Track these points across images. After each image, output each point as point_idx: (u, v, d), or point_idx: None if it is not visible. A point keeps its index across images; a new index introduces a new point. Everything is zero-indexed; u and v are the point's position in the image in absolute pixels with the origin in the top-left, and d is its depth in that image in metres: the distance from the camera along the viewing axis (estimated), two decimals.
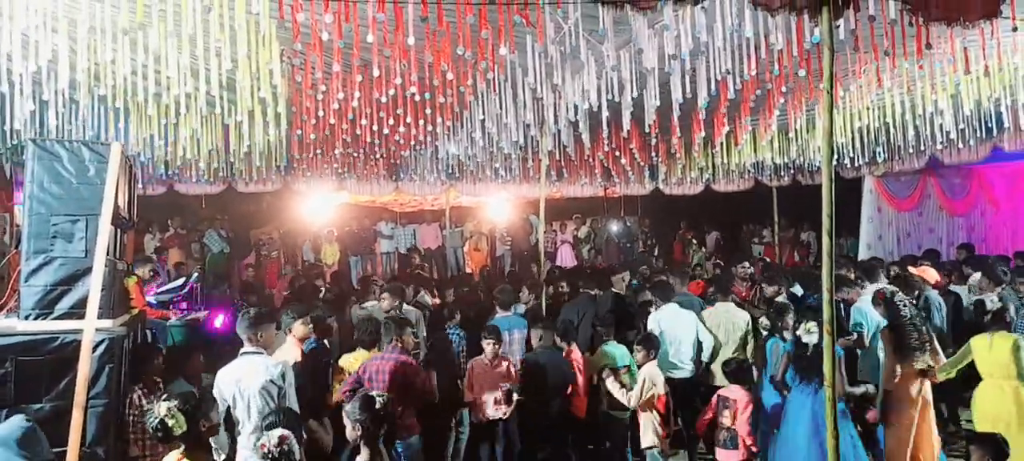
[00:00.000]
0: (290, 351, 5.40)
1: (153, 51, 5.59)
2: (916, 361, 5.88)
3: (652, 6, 4.29)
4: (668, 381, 6.39)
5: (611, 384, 6.18)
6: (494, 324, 6.54)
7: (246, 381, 4.47)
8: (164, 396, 3.58)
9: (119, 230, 5.37)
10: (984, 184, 14.76)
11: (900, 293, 6.41)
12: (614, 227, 17.96)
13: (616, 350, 6.51)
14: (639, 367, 6.25)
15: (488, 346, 6.23)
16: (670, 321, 6.91)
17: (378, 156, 11.84)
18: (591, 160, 12.66)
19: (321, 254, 15.27)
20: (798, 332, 5.79)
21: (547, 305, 8.66)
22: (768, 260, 13.39)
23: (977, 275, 8.45)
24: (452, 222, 16.58)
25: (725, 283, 7.45)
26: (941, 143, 9.67)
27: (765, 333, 6.76)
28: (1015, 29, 5.16)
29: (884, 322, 6.27)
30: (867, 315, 6.64)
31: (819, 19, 4.25)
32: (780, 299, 7.23)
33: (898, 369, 5.91)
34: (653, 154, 12.31)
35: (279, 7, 4.88)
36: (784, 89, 7.68)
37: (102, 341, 4.49)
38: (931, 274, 8.18)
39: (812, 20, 4.37)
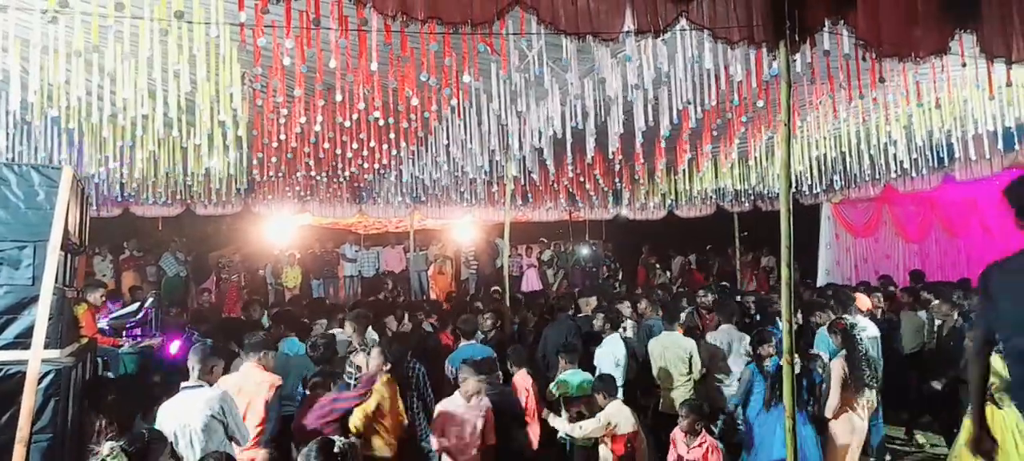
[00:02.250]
0: (264, 378, 5.17)
1: (109, 72, 5.46)
2: (862, 395, 5.90)
3: (614, 37, 4.32)
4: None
5: (553, 420, 6.00)
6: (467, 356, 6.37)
7: (187, 417, 4.31)
8: (111, 436, 3.43)
9: (69, 255, 5.20)
10: (938, 212, 15.19)
11: (859, 324, 6.48)
12: (584, 251, 18.03)
13: (574, 378, 6.47)
14: (601, 408, 6.06)
15: (471, 382, 5.58)
16: (617, 351, 7.11)
17: (341, 179, 11.74)
18: (556, 185, 12.73)
19: (282, 277, 15.03)
20: (768, 359, 5.93)
21: (517, 331, 8.66)
22: (726, 285, 13.49)
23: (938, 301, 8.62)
24: (416, 245, 16.48)
25: (673, 311, 7.51)
26: (895, 172, 9.92)
27: (747, 359, 6.78)
28: (964, 65, 5.32)
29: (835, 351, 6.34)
30: (828, 342, 6.76)
31: (777, 52, 4.35)
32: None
33: (837, 404, 5.90)
34: (617, 180, 12.43)
35: (239, 31, 4.81)
36: (744, 119, 7.83)
37: (48, 372, 4.32)
38: (863, 301, 8.31)
39: (770, 53, 4.47)
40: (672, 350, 6.91)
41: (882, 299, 9.22)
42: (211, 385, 4.61)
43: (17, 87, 5.34)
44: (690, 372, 6.83)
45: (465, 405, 5.56)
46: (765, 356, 6.09)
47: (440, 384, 6.67)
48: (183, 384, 4.58)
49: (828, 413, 5.83)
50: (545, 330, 7.99)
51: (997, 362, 5.77)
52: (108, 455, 3.20)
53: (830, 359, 6.27)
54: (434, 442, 5.58)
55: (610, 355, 7.11)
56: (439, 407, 5.65)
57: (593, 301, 8.87)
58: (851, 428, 5.87)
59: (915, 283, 11.02)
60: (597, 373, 6.75)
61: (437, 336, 8.21)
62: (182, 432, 4.30)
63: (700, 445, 5.35)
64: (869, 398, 5.94)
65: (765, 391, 5.99)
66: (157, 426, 4.33)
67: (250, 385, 5.07)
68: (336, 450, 3.62)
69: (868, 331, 7.01)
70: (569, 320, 8.04)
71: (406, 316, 8.76)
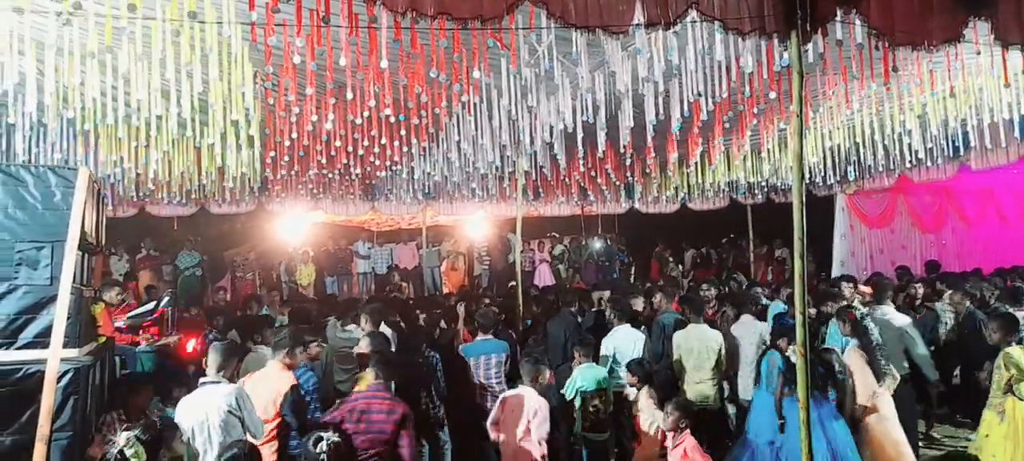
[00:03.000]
0: (280, 378, 5.05)
1: (123, 73, 5.52)
2: (884, 381, 5.91)
3: (624, 30, 4.32)
4: (618, 396, 6.52)
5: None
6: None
7: (206, 413, 4.37)
8: (125, 426, 3.47)
9: (86, 255, 5.26)
10: (953, 201, 15.05)
11: (870, 316, 6.44)
12: (596, 245, 18.00)
13: (588, 372, 6.47)
14: (638, 393, 6.25)
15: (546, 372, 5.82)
16: (622, 341, 7.02)
17: (354, 176, 11.79)
18: (568, 179, 12.72)
19: (296, 275, 15.11)
20: (787, 353, 5.89)
21: (530, 326, 8.70)
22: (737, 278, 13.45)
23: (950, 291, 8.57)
24: (429, 241, 16.52)
25: (698, 304, 7.47)
26: (910, 162, 9.83)
27: (763, 348, 6.76)
28: (979, 53, 5.28)
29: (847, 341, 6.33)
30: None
31: (788, 43, 4.32)
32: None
33: (877, 387, 5.92)
34: (629, 173, 12.39)
35: (251, 31, 4.84)
36: (756, 110, 7.78)
37: (67, 371, 4.37)
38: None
39: (781, 44, 4.45)
40: (701, 342, 6.88)
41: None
42: (230, 381, 4.65)
43: (33, 89, 5.41)
44: (718, 366, 6.82)
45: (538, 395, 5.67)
46: (784, 350, 6.04)
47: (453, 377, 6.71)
48: (202, 380, 4.63)
49: (864, 401, 5.80)
50: (547, 325, 8.03)
51: (1018, 354, 5.74)
52: (125, 445, 3.25)
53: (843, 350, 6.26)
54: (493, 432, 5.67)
55: (603, 346, 7.08)
56: (508, 395, 5.74)
57: (606, 295, 8.87)
58: (881, 415, 5.86)
59: (930, 274, 10.94)
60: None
61: (453, 329, 8.26)
62: (200, 428, 4.35)
63: (678, 445, 5.19)
64: (891, 384, 5.93)
65: (771, 378, 5.98)
66: (178, 420, 4.39)
67: (268, 383, 5.08)
68: (323, 447, 3.70)
69: (895, 321, 6.96)
70: (570, 315, 8.04)
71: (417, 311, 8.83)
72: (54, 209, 4.63)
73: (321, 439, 3.82)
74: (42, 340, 4.43)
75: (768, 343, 6.67)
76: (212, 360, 4.65)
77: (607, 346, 7.00)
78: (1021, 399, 5.61)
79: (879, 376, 5.85)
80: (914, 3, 4.44)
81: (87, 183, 4.76)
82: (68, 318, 4.47)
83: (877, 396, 5.89)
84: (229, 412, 4.41)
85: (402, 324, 7.91)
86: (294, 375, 5.18)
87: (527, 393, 5.65)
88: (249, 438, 4.57)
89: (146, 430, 3.40)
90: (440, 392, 6.46)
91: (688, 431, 5.23)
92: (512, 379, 6.70)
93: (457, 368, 6.75)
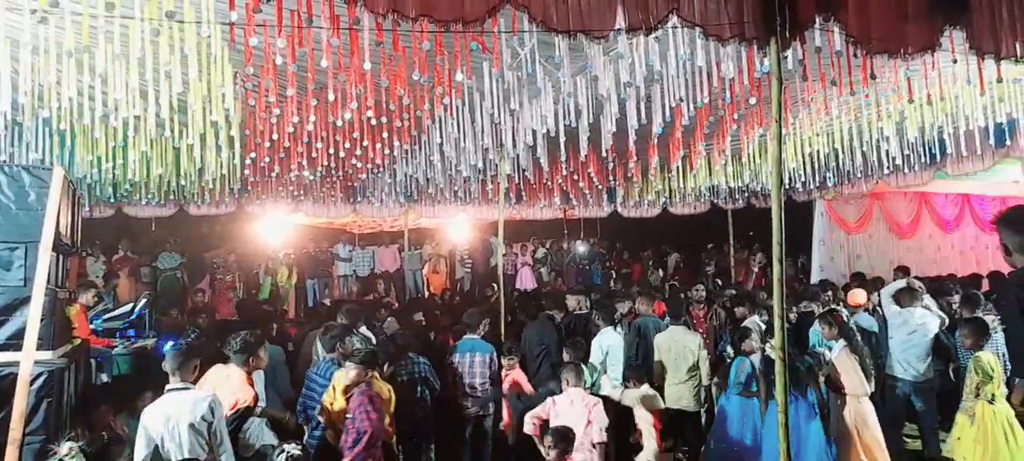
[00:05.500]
0: (240, 388, 4.83)
1: (100, 73, 5.44)
2: (869, 383, 5.97)
3: (606, 35, 4.33)
4: (606, 399, 6.48)
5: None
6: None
7: (174, 419, 4.20)
8: (70, 435, 3.40)
9: (61, 256, 5.19)
10: (931, 208, 15.24)
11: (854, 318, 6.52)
12: (580, 248, 18.02)
13: None
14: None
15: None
16: (610, 342, 7.12)
17: (335, 178, 11.72)
18: (550, 183, 12.73)
19: (276, 278, 14.98)
20: (766, 351, 5.95)
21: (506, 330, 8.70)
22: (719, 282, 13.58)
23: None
24: (411, 244, 16.45)
25: (678, 307, 7.53)
26: (888, 168, 9.94)
27: (731, 353, 6.85)
28: (955, 61, 5.35)
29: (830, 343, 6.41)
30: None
31: (768, 50, 4.36)
32: (746, 322, 7.34)
33: (865, 386, 5.98)
34: (611, 177, 12.43)
35: (230, 31, 4.80)
36: (736, 116, 7.83)
37: (40, 374, 4.32)
38: (860, 296, 8.37)
39: (761, 50, 4.48)
40: (678, 345, 6.93)
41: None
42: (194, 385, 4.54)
43: (8, 88, 5.32)
44: (696, 369, 6.86)
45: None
46: (748, 352, 6.16)
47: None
48: (167, 386, 4.42)
49: (853, 404, 5.88)
50: (525, 331, 8.04)
51: (990, 359, 5.84)
52: (66, 455, 3.21)
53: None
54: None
55: (593, 347, 7.19)
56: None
57: (582, 300, 8.89)
58: (866, 419, 5.94)
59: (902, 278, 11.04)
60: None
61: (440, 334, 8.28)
62: (170, 434, 4.18)
63: None
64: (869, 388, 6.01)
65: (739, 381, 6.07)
66: (141, 428, 4.22)
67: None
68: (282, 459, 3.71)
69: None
70: (547, 319, 8.07)
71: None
72: (28, 209, 4.58)
73: (283, 451, 3.81)
74: (15, 342, 4.37)
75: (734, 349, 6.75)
76: (171, 366, 4.44)
77: (598, 347, 7.09)
78: (989, 403, 5.72)
79: (866, 378, 5.93)
80: (890, 11, 4.49)
81: (62, 183, 4.71)
82: (42, 320, 4.42)
83: (862, 400, 5.95)
84: (200, 418, 4.23)
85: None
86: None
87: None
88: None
89: (91, 442, 3.35)
90: (434, 396, 6.46)
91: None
92: (496, 381, 6.75)
93: (441, 371, 6.75)
